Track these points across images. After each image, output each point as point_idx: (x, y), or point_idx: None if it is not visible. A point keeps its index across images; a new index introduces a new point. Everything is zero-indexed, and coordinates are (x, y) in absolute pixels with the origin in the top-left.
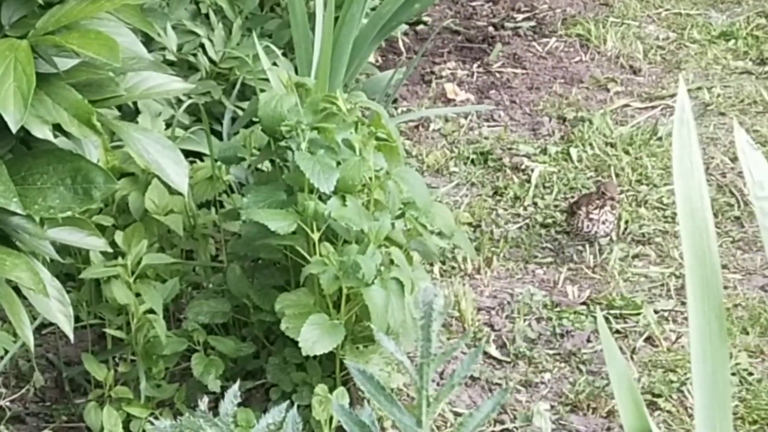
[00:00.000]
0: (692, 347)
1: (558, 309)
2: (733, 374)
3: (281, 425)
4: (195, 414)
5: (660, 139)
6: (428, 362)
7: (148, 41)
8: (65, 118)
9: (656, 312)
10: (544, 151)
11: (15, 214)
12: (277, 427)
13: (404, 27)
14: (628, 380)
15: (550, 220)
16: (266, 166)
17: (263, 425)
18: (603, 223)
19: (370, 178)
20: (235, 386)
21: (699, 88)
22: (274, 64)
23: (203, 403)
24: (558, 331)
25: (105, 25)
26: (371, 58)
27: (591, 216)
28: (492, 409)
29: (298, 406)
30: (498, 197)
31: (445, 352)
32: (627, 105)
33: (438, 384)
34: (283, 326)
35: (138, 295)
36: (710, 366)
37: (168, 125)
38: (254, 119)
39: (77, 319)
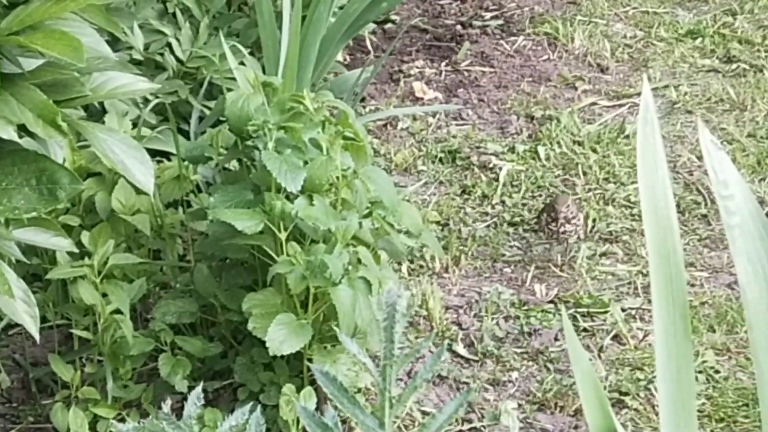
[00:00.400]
0: (657, 346)
1: (526, 307)
2: (700, 372)
3: (245, 427)
4: (158, 416)
5: (627, 137)
6: (391, 363)
7: (114, 41)
8: (30, 119)
9: (623, 310)
10: (512, 150)
11: None
12: (240, 429)
13: (372, 26)
14: (593, 379)
15: (518, 219)
16: (233, 165)
17: (226, 427)
18: (562, 233)
19: (338, 178)
20: (198, 388)
21: (666, 86)
22: (241, 63)
23: (166, 405)
24: (526, 329)
25: (70, 26)
26: (339, 57)
27: (550, 227)
28: (455, 410)
29: (266, 406)
30: (466, 196)
31: (408, 354)
32: (594, 103)
33: (406, 383)
34: (250, 326)
35: (105, 295)
36: (675, 364)
37: (135, 125)
38: (221, 118)
39: (44, 320)
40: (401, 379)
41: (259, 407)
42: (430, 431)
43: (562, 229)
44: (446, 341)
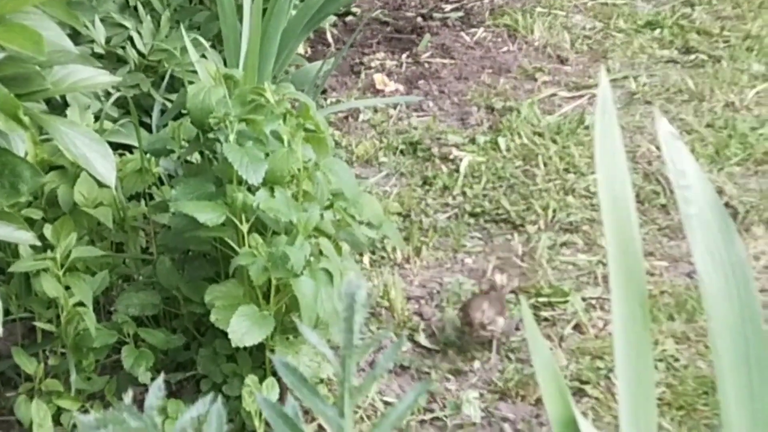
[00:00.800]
0: (615, 335)
1: None
2: (660, 360)
3: (206, 418)
4: (119, 407)
5: (587, 127)
6: (350, 354)
7: (76, 34)
8: None
9: (584, 299)
10: (473, 141)
11: None
12: (202, 420)
13: (333, 18)
14: (553, 368)
15: (478, 210)
16: (195, 158)
17: (188, 418)
18: (476, 337)
19: (299, 170)
20: (160, 379)
21: (625, 77)
22: (203, 56)
23: (128, 396)
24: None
25: (30, 19)
26: (300, 50)
27: (463, 329)
28: (414, 399)
29: (228, 397)
30: (427, 187)
31: (368, 344)
32: (554, 94)
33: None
34: (212, 318)
35: (68, 288)
36: (634, 353)
37: (97, 118)
38: (183, 111)
39: (7, 313)
40: (363, 370)
41: (221, 398)
42: (390, 420)
43: (476, 335)
44: (407, 331)
